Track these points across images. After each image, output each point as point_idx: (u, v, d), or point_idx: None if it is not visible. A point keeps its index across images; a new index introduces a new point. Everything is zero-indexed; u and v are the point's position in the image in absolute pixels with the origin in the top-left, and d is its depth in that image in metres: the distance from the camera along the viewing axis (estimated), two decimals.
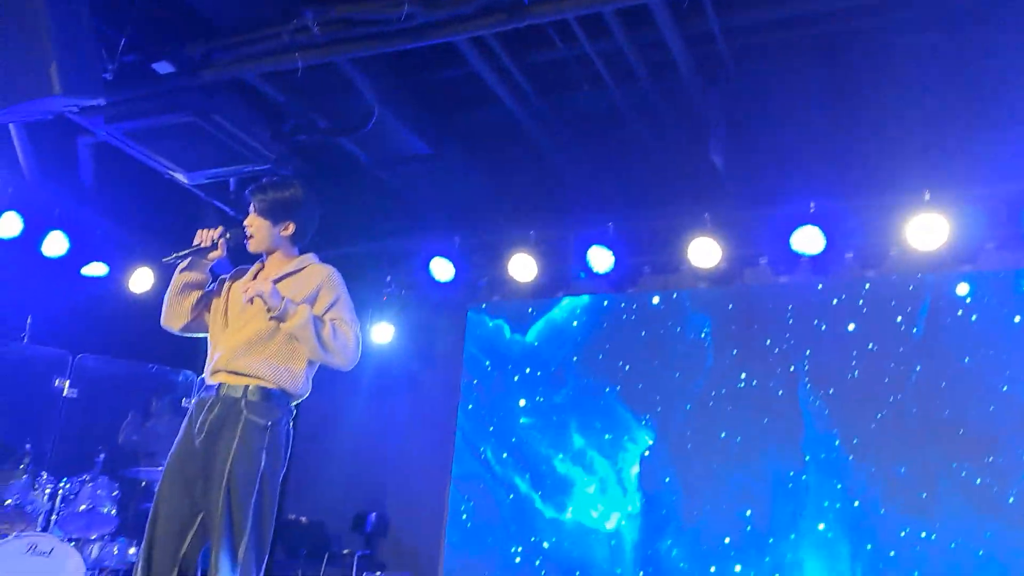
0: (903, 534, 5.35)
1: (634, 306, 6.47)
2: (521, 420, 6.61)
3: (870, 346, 5.74)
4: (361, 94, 5.32)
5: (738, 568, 5.67)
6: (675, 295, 6.38)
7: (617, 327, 6.49)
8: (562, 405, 6.51)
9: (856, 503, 5.51)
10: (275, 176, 3.30)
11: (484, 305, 6.92)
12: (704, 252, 5.97)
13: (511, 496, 6.47)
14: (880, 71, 5.10)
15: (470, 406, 6.75)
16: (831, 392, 5.75)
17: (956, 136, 5.23)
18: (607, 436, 6.29)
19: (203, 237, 3.18)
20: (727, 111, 5.46)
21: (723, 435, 5.94)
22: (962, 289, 5.61)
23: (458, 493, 6.57)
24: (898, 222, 5.58)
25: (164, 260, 3.24)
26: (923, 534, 5.31)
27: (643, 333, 6.38)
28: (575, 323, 6.64)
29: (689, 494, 5.94)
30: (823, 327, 5.88)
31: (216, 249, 3.20)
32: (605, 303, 6.60)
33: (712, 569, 5.73)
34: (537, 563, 6.19)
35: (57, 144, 6.14)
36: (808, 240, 5.74)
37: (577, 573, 6.07)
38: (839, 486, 5.58)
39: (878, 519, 5.44)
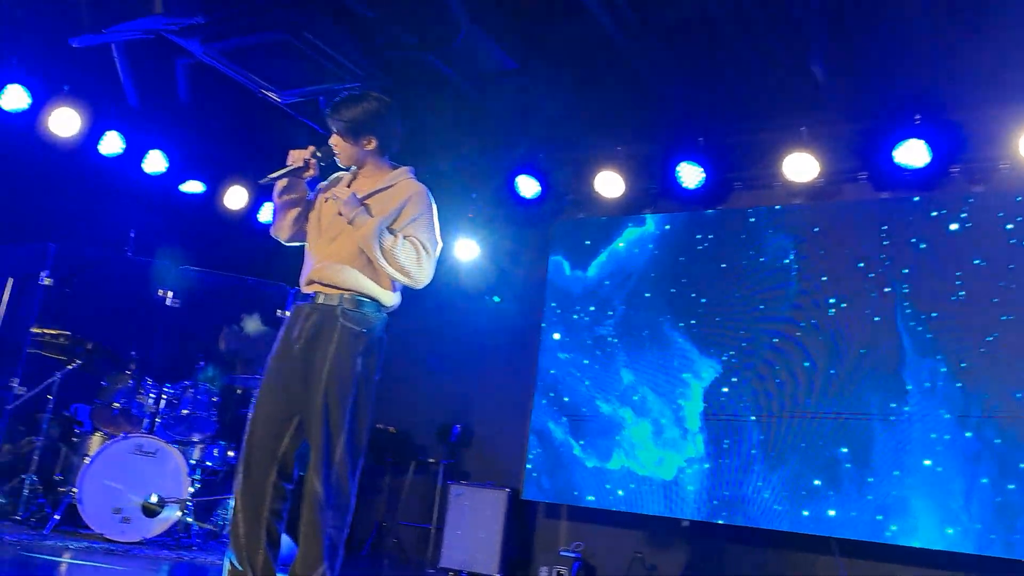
0: None
1: (710, 236, 6.20)
2: (585, 361, 6.47)
3: (976, 262, 5.35)
4: (449, 8, 5.27)
5: (832, 513, 5.39)
6: (752, 219, 6.07)
7: (691, 257, 6.23)
8: (624, 343, 6.32)
9: (968, 434, 5.14)
10: (348, 93, 3.26)
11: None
12: (800, 167, 5.77)
13: (563, 447, 6.36)
14: None
15: None
16: (934, 315, 5.40)
17: None
18: (685, 375, 6.06)
19: (295, 158, 3.24)
20: (828, 17, 5.19)
21: (811, 367, 5.67)
22: None
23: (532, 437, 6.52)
24: (1009, 135, 5.30)
25: (260, 182, 3.33)
26: None
27: (723, 265, 6.10)
28: (642, 255, 6.41)
29: (776, 434, 5.66)
30: (922, 245, 5.53)
31: (308, 169, 3.26)
32: (667, 227, 6.35)
33: (805, 513, 5.46)
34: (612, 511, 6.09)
35: (156, 66, 6.32)
36: (912, 154, 5.49)
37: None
38: (947, 416, 5.22)
39: (994, 450, 5.05)
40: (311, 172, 3.28)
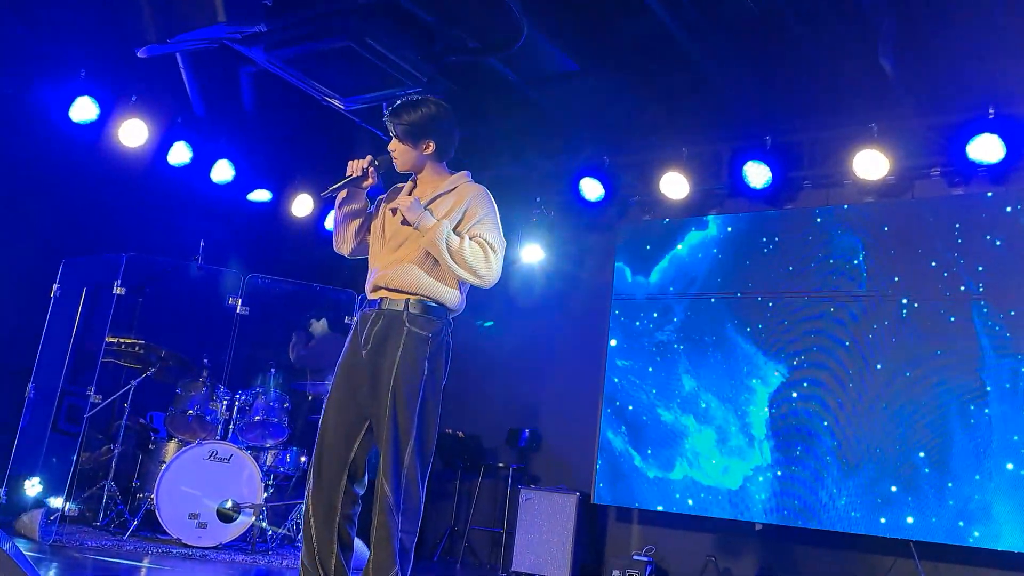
0: None
1: (775, 238, 6.10)
2: (648, 369, 6.39)
3: None
4: (510, 11, 5.25)
5: (910, 520, 5.27)
6: (819, 219, 5.96)
7: (756, 260, 6.13)
8: (687, 349, 6.25)
9: None
10: (407, 98, 3.28)
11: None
12: (870, 164, 5.64)
13: (622, 457, 6.30)
14: None
15: None
16: (1012, 314, 5.24)
17: None
18: (751, 381, 5.96)
19: (353, 168, 3.27)
20: (898, 9, 5.06)
21: (886, 370, 5.53)
22: None
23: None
24: None
25: (322, 194, 3.37)
26: None
27: (790, 268, 6.00)
28: (705, 259, 6.33)
29: (850, 439, 5.54)
30: (997, 242, 5.37)
31: (367, 178, 3.29)
32: (729, 229, 6.27)
33: (882, 520, 5.34)
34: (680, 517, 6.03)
35: (221, 76, 6.41)
36: (986, 149, 5.34)
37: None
38: None
39: None
40: (370, 181, 3.30)
